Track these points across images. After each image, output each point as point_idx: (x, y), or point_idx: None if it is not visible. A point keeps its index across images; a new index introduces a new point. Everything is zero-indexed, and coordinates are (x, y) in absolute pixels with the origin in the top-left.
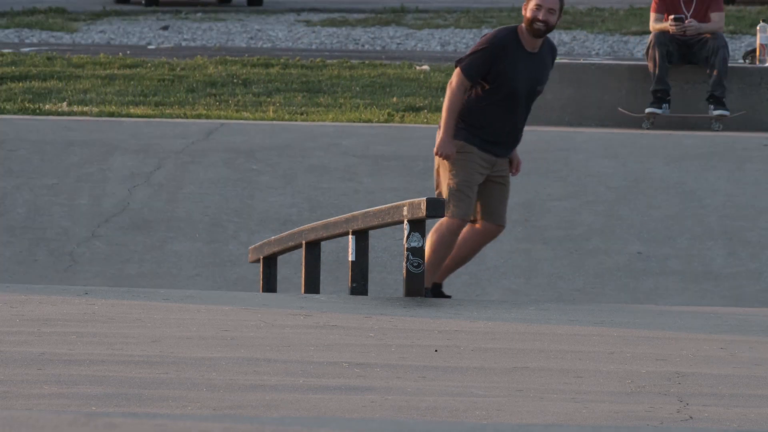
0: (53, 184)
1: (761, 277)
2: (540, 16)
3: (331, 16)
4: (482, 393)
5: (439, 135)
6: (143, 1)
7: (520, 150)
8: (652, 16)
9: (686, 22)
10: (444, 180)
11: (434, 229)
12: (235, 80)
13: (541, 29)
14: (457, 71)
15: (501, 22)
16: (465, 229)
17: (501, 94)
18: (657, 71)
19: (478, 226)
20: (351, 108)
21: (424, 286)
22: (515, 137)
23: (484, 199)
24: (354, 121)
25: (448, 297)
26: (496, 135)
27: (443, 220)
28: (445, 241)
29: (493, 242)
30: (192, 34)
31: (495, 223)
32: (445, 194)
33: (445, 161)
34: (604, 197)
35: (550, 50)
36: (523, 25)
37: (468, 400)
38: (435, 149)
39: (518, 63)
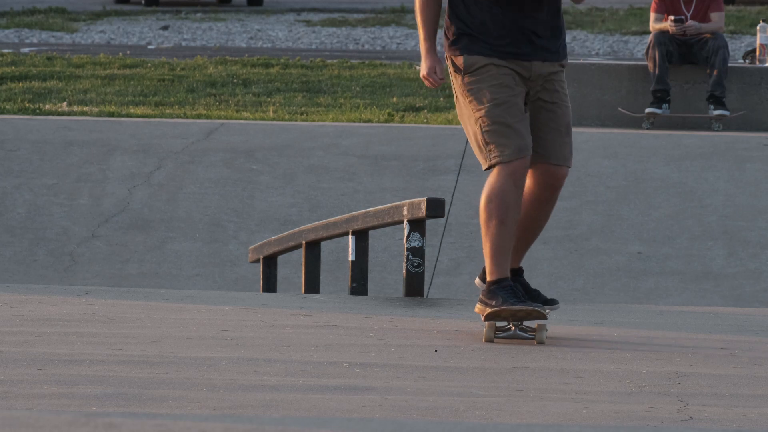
0: (53, 184)
1: (761, 277)
2: None
3: (331, 16)
4: (482, 393)
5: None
6: (143, 1)
7: None
8: (652, 16)
9: (686, 22)
10: (469, 120)
11: (483, 199)
12: (235, 80)
13: None
14: None
15: None
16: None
17: None
18: (657, 71)
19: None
20: (351, 108)
21: (424, 283)
22: (545, 30)
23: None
24: (354, 121)
25: (541, 297)
26: (511, 36)
27: (489, 178)
28: (506, 201)
29: None
30: (192, 34)
31: (552, 162)
32: (476, 138)
33: (462, 95)
34: (604, 197)
35: None
36: None
37: (468, 400)
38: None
39: None
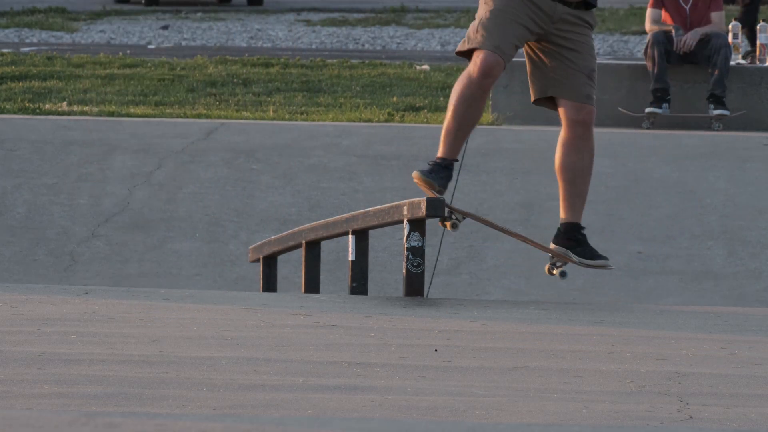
0: (53, 184)
1: (761, 277)
2: None
3: (331, 15)
4: (482, 393)
5: None
6: (143, 1)
7: (520, 150)
8: (649, 11)
9: (683, 37)
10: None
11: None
12: (235, 80)
13: None
14: None
15: None
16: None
17: None
18: (656, 70)
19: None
20: (351, 108)
21: (424, 283)
22: None
23: (547, 69)
24: (354, 121)
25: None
26: None
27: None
28: (458, 89)
29: (493, 242)
30: (192, 33)
31: (573, 100)
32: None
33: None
34: (604, 197)
35: None
36: None
37: (468, 399)
38: None
39: None
